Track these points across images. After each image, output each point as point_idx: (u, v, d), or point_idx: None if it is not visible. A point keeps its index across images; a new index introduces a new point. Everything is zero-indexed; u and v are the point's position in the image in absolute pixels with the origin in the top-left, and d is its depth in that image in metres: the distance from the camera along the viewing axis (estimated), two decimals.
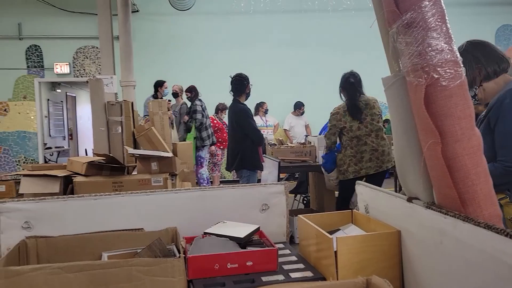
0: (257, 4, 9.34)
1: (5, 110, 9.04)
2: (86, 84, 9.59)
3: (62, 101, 11.25)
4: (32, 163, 9.06)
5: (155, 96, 6.90)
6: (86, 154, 9.32)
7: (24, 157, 9.13)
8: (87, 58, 9.24)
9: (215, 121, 7.72)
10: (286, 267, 1.64)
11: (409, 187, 1.53)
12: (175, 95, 7.27)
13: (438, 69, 1.27)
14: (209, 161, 7.46)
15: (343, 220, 1.99)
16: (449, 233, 1.27)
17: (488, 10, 9.97)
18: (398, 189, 5.88)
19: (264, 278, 1.53)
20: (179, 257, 1.46)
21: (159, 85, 7.07)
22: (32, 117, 9.13)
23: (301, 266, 1.67)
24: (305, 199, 6.03)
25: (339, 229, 1.90)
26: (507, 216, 1.86)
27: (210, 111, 7.54)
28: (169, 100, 7.12)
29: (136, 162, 3.26)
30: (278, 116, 9.22)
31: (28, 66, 9.07)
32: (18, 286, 1.32)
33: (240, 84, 4.49)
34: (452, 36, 1.30)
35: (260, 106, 8.73)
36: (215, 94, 7.67)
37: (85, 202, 1.82)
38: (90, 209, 1.81)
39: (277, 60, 9.53)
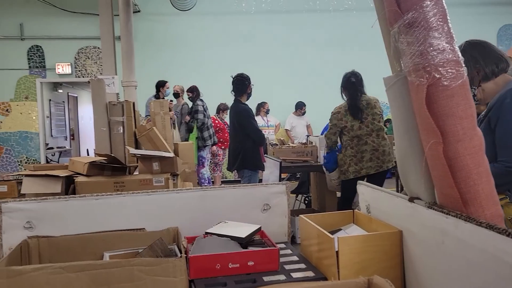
0: (258, 4, 9.35)
1: (7, 110, 9.06)
2: (87, 84, 9.59)
3: (63, 101, 11.27)
4: (34, 163, 9.07)
5: (157, 96, 6.91)
6: (88, 154, 9.34)
7: (26, 157, 9.14)
8: (89, 58, 9.25)
9: (216, 121, 7.72)
10: (287, 267, 1.64)
11: (410, 187, 1.52)
12: (176, 95, 7.28)
13: (440, 69, 1.27)
14: (210, 161, 7.46)
15: (345, 220, 1.99)
16: (451, 233, 1.26)
17: (490, 10, 9.95)
18: (399, 189, 5.87)
19: (265, 278, 1.53)
20: (181, 257, 1.46)
21: (161, 85, 7.07)
22: (34, 118, 9.15)
23: (302, 266, 1.67)
24: (307, 199, 6.02)
25: (340, 229, 1.90)
26: (507, 216, 1.85)
27: (212, 111, 7.54)
28: (171, 100, 7.12)
29: (137, 162, 3.27)
30: (280, 116, 9.22)
31: (30, 67, 9.09)
32: (20, 285, 1.32)
33: (241, 84, 4.49)
34: (453, 35, 1.30)
35: (261, 106, 8.73)
36: (217, 94, 7.67)
37: (86, 202, 1.82)
38: (92, 209, 1.82)
39: (279, 60, 9.53)
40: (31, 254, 1.66)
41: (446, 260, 1.29)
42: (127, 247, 1.71)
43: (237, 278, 1.52)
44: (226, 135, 7.54)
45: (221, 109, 7.99)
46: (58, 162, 9.74)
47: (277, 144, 6.16)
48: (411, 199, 1.50)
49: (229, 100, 4.85)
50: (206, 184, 6.92)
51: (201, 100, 6.98)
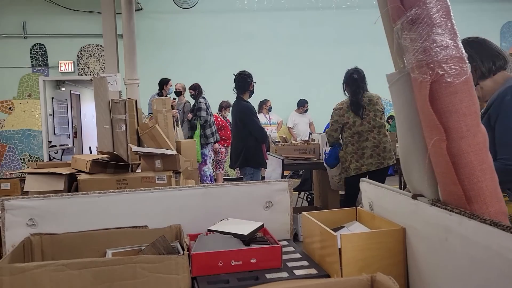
0: (260, 2, 9.33)
1: (10, 108, 9.08)
2: (90, 82, 9.60)
3: (66, 99, 11.29)
4: (36, 161, 9.10)
5: (160, 94, 6.91)
6: (90, 152, 9.35)
7: (29, 155, 9.17)
8: (91, 56, 9.26)
9: (218, 119, 7.72)
10: (290, 264, 1.64)
11: (414, 184, 1.52)
12: (178, 93, 7.27)
13: (443, 65, 1.26)
14: (212, 159, 7.46)
15: (348, 217, 1.98)
16: (454, 230, 1.26)
17: (494, 7, 9.91)
18: (402, 186, 5.86)
19: (268, 275, 1.53)
20: (183, 254, 1.46)
21: (164, 83, 7.07)
22: (36, 115, 9.16)
23: (305, 263, 1.67)
24: (309, 196, 6.02)
25: (343, 227, 1.90)
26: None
27: (214, 109, 7.54)
28: (174, 98, 7.12)
29: (140, 160, 3.27)
30: (282, 114, 9.21)
31: (32, 65, 9.10)
32: (23, 283, 1.33)
33: (243, 82, 4.48)
34: (457, 32, 1.29)
35: (263, 103, 8.73)
36: (219, 92, 7.67)
37: (89, 200, 1.82)
38: (94, 207, 1.82)
39: (281, 58, 9.52)
40: (34, 251, 1.66)
41: (449, 257, 1.29)
42: (130, 245, 1.71)
43: (239, 276, 1.52)
44: (228, 132, 7.54)
45: (223, 106, 7.98)
46: (60, 160, 9.76)
47: (279, 142, 6.16)
48: (414, 196, 1.50)
49: (231, 97, 4.84)
50: (208, 182, 6.92)
51: (204, 98, 6.98)
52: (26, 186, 2.90)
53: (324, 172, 4.93)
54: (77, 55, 9.22)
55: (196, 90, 7.04)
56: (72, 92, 11.62)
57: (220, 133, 7.48)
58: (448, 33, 1.28)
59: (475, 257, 1.17)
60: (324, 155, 4.43)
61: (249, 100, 4.57)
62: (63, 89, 10.82)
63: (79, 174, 2.97)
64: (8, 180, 3.89)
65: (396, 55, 1.46)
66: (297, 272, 1.57)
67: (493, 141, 1.87)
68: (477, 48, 1.96)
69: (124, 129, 3.64)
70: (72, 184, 2.96)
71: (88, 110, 12.32)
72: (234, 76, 4.54)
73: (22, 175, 3.82)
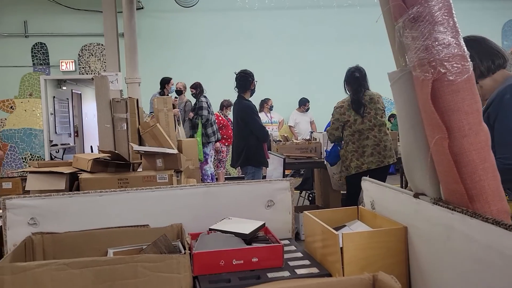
0: (261, 1, 9.32)
1: (11, 107, 9.09)
2: (91, 81, 9.63)
3: (67, 98, 11.30)
4: (38, 160, 9.10)
5: (162, 93, 6.91)
6: (92, 151, 9.36)
7: (30, 154, 9.18)
8: (93, 55, 9.26)
9: (220, 118, 7.72)
10: (291, 263, 1.64)
11: (415, 183, 1.51)
12: (179, 92, 7.27)
13: (445, 63, 1.25)
14: (214, 158, 7.46)
15: (349, 216, 1.98)
16: (457, 229, 1.25)
17: (496, 5, 9.89)
18: (404, 185, 5.86)
19: (269, 275, 1.52)
20: (185, 253, 1.46)
21: (165, 82, 7.07)
22: (38, 115, 9.17)
23: (306, 262, 1.66)
24: (311, 195, 6.02)
25: (345, 225, 1.89)
26: None
27: (215, 108, 7.53)
28: (176, 97, 7.12)
29: (141, 159, 3.26)
30: (283, 113, 9.21)
31: (34, 64, 9.11)
32: (24, 282, 1.33)
33: (244, 81, 4.48)
34: (459, 30, 1.29)
35: (265, 102, 8.72)
36: (220, 91, 7.66)
37: (90, 199, 1.82)
38: (96, 206, 1.82)
39: (282, 56, 9.51)
40: (35, 250, 1.66)
41: (451, 256, 1.28)
42: (131, 244, 1.71)
43: (241, 275, 1.51)
44: (229, 131, 7.54)
45: (224, 105, 7.98)
46: (62, 159, 9.78)
47: (280, 141, 6.16)
48: (416, 195, 1.49)
49: (233, 96, 4.84)
50: (209, 181, 6.92)
51: (205, 97, 6.97)
52: (27, 185, 2.90)
53: (325, 171, 4.93)
54: (78, 54, 9.22)
55: (197, 89, 7.04)
56: (73, 91, 11.63)
57: (221, 132, 7.48)
58: (450, 31, 1.27)
59: (477, 256, 1.16)
60: (325, 153, 4.44)
61: (250, 99, 4.57)
62: (64, 88, 10.83)
63: (81, 173, 2.97)
64: (9, 179, 3.90)
65: (397, 54, 1.46)
66: (299, 271, 1.56)
67: (492, 140, 1.86)
68: (476, 47, 1.95)
69: (125, 128, 3.65)
70: (73, 183, 2.96)
71: (89, 109, 12.33)
72: (235, 75, 4.54)
73: (24, 174, 3.83)
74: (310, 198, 6.03)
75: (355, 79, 3.99)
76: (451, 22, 1.28)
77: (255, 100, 5.55)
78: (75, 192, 1.87)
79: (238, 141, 4.51)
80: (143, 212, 1.83)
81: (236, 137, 4.59)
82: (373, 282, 1.17)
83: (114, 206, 1.83)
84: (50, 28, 9.04)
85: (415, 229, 1.52)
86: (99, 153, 3.45)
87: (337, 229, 1.72)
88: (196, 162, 4.23)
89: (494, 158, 1.31)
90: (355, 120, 3.96)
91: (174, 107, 6.13)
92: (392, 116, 9.52)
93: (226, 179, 8.50)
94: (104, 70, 8.38)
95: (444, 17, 1.27)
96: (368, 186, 1.95)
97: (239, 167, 4.63)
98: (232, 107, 5.75)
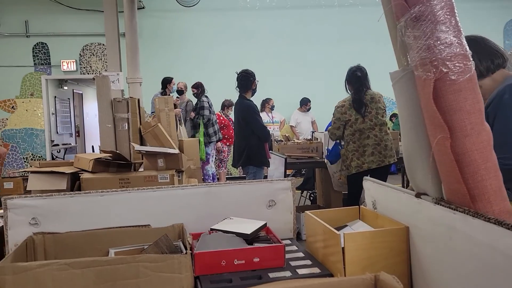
0: (263, 0, 9.32)
1: (12, 107, 9.10)
2: (92, 81, 9.63)
3: (69, 98, 11.31)
4: (39, 160, 9.11)
5: (164, 93, 6.91)
6: (93, 151, 9.36)
7: (32, 154, 9.18)
8: (94, 55, 9.27)
9: (221, 118, 7.72)
10: (293, 263, 1.63)
11: (417, 183, 1.51)
12: (180, 92, 7.27)
13: (447, 63, 1.25)
14: (215, 158, 7.46)
15: (351, 216, 1.98)
16: (458, 229, 1.25)
17: (497, 4, 9.87)
18: (405, 184, 5.85)
19: (271, 275, 1.52)
20: (186, 253, 1.46)
21: (167, 82, 7.06)
22: (39, 114, 9.18)
23: (308, 262, 1.66)
24: (312, 195, 6.02)
25: (346, 225, 1.89)
26: None
27: (216, 108, 7.53)
28: (178, 97, 7.12)
29: (142, 159, 3.26)
30: (285, 113, 9.20)
31: (35, 64, 9.12)
32: (26, 282, 1.33)
33: (246, 80, 4.48)
34: (461, 29, 1.28)
35: (266, 102, 8.72)
36: (221, 91, 7.66)
37: (92, 199, 1.82)
38: (97, 206, 1.82)
39: (283, 56, 9.51)
40: (36, 250, 1.66)
41: (453, 256, 1.28)
42: (133, 244, 1.71)
43: (242, 275, 1.51)
44: (231, 131, 7.53)
45: (225, 105, 7.98)
46: (63, 159, 9.78)
47: (282, 140, 6.15)
48: (418, 195, 1.49)
49: (234, 96, 4.84)
50: (210, 181, 6.92)
51: (206, 97, 6.97)
52: (29, 185, 2.90)
53: (326, 171, 4.93)
54: (80, 54, 9.23)
55: (199, 88, 7.03)
56: (74, 91, 11.64)
57: (223, 132, 7.48)
58: (452, 31, 1.27)
59: (479, 256, 1.16)
60: (326, 152, 4.45)
61: (251, 98, 4.56)
62: (65, 88, 10.84)
63: (82, 173, 2.98)
64: (11, 179, 3.90)
65: (399, 53, 1.45)
66: (300, 271, 1.56)
67: None
68: (475, 47, 1.94)
69: (126, 128, 3.65)
70: (74, 183, 2.96)
71: (91, 109, 12.34)
72: (236, 75, 4.54)
73: (25, 174, 3.83)
74: (311, 198, 6.02)
75: (357, 79, 3.99)
76: (453, 21, 1.27)
77: (257, 100, 5.54)
78: (77, 192, 1.87)
79: (240, 141, 4.50)
80: (145, 212, 1.83)
81: (238, 137, 4.59)
82: (374, 282, 1.16)
83: (116, 206, 1.83)
84: (51, 28, 9.04)
85: (417, 229, 1.52)
86: (100, 153, 3.45)
87: (338, 229, 1.72)
88: (198, 162, 4.23)
89: (496, 158, 1.30)
90: (356, 119, 3.96)
91: (175, 107, 6.14)
92: (394, 115, 9.51)
93: (228, 179, 8.49)
94: (106, 70, 8.38)
95: (446, 16, 1.27)
96: (370, 186, 1.94)
97: (241, 167, 4.63)
98: (233, 107, 5.74)
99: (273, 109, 8.81)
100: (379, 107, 3.99)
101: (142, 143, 3.67)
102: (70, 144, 10.93)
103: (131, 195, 1.85)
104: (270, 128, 6.82)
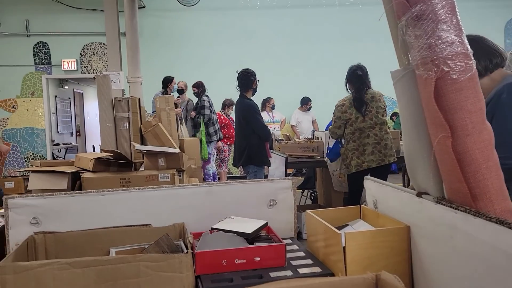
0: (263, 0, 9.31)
1: (13, 107, 9.10)
2: (93, 80, 9.63)
3: (69, 98, 11.31)
4: (40, 159, 9.11)
5: (165, 93, 6.90)
6: (94, 151, 9.37)
7: (33, 154, 9.19)
8: (94, 54, 9.27)
9: (222, 117, 7.72)
10: (294, 262, 1.63)
11: (418, 182, 1.51)
12: (181, 91, 7.26)
13: (448, 62, 1.25)
14: (216, 157, 7.46)
15: (352, 215, 1.97)
16: (460, 228, 1.25)
17: (498, 3, 9.85)
18: (406, 184, 5.85)
19: (272, 274, 1.52)
20: (187, 252, 1.46)
21: (168, 81, 7.06)
22: (40, 114, 9.19)
23: (309, 261, 1.66)
24: (313, 194, 6.01)
25: (347, 225, 1.89)
26: None
27: (217, 107, 7.53)
28: (179, 97, 7.12)
29: (143, 158, 3.27)
30: (285, 112, 9.20)
31: (35, 63, 9.12)
32: (27, 281, 1.33)
33: (246, 80, 4.47)
34: (462, 28, 1.28)
35: (267, 101, 8.72)
36: (222, 90, 7.66)
37: (92, 198, 1.82)
38: (98, 205, 1.82)
39: (284, 56, 9.50)
40: (37, 250, 1.66)
41: (454, 256, 1.28)
42: (133, 243, 1.71)
43: (243, 274, 1.51)
44: (231, 131, 7.53)
45: (226, 104, 7.98)
46: (64, 158, 9.78)
47: (282, 140, 6.15)
48: (419, 194, 1.49)
49: (235, 95, 4.83)
50: (210, 180, 6.92)
51: (207, 96, 6.97)
52: (29, 185, 2.90)
53: (327, 170, 4.93)
54: (80, 53, 9.22)
55: (200, 88, 7.03)
56: (75, 90, 11.64)
57: (223, 131, 7.48)
58: (453, 29, 1.27)
59: (480, 255, 1.16)
60: (327, 151, 4.45)
61: (252, 98, 4.56)
62: (66, 87, 10.84)
63: (83, 173, 2.98)
64: (12, 179, 3.91)
65: (400, 52, 1.45)
66: (301, 271, 1.56)
67: None
68: (474, 46, 1.93)
69: (127, 127, 3.65)
70: (75, 182, 2.96)
71: (91, 108, 12.34)
72: (237, 74, 4.53)
73: (26, 174, 3.83)
74: (312, 198, 6.02)
75: (358, 77, 3.98)
76: (455, 20, 1.27)
77: (257, 99, 5.55)
78: (77, 191, 1.87)
79: (240, 140, 4.50)
80: (145, 212, 1.83)
81: (238, 136, 4.59)
82: (376, 281, 1.16)
83: (116, 205, 1.83)
84: (51, 27, 9.04)
85: (418, 228, 1.51)
86: (101, 152, 3.45)
87: (339, 228, 1.72)
88: (198, 162, 4.23)
89: (498, 157, 1.30)
90: (357, 118, 3.96)
91: (176, 106, 6.14)
92: (395, 114, 9.51)
93: (228, 178, 8.49)
94: (106, 69, 8.38)
95: (447, 15, 1.26)
96: (371, 185, 1.94)
97: (241, 166, 4.63)
98: (234, 106, 5.74)
99: (273, 109, 8.80)
100: (380, 106, 3.98)
101: (142, 142, 3.67)
102: (70, 143, 10.93)
103: (132, 195, 1.85)
104: (270, 127, 6.81)
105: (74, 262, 1.36)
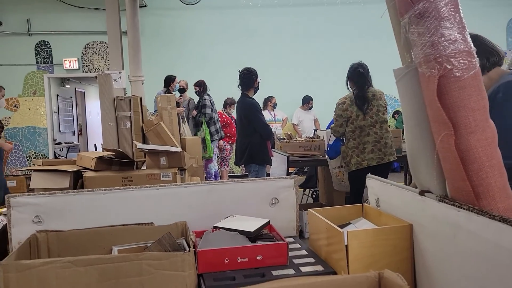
0: None
1: (15, 106, 9.12)
2: (95, 79, 9.62)
3: (71, 97, 11.33)
4: (42, 158, 9.12)
5: (167, 92, 6.91)
6: (96, 149, 9.38)
7: (35, 153, 9.20)
8: (96, 53, 9.27)
9: (223, 116, 7.72)
10: (296, 261, 1.63)
11: (421, 180, 1.50)
12: (182, 90, 7.27)
13: (451, 59, 1.24)
14: (217, 156, 7.46)
15: (354, 214, 1.97)
16: (463, 226, 1.24)
17: (500, 2, 9.83)
18: (408, 182, 5.84)
19: (274, 272, 1.52)
20: (189, 251, 1.45)
21: (170, 80, 7.07)
22: (42, 113, 9.20)
23: (311, 260, 1.66)
24: (314, 193, 6.01)
25: (349, 223, 1.89)
26: None
27: (218, 106, 7.53)
28: (180, 96, 7.12)
29: (145, 157, 3.27)
30: (287, 111, 9.20)
31: (37, 62, 9.13)
32: (29, 280, 1.33)
33: (248, 79, 4.47)
34: (465, 25, 1.28)
35: (268, 100, 8.72)
36: (224, 89, 7.66)
37: (95, 197, 1.82)
38: (100, 204, 1.82)
39: (286, 54, 9.49)
40: (40, 248, 1.66)
41: (457, 254, 1.27)
42: (136, 242, 1.71)
43: (245, 272, 1.51)
44: (233, 129, 7.53)
45: (228, 103, 7.98)
46: (66, 157, 9.79)
47: (284, 139, 6.15)
48: (422, 192, 1.48)
49: (236, 94, 4.83)
50: (212, 179, 6.92)
51: (208, 95, 6.97)
52: (32, 183, 2.90)
53: (329, 169, 4.92)
54: (82, 52, 9.23)
55: (201, 87, 7.03)
56: (77, 89, 11.66)
57: (225, 130, 7.48)
58: (456, 27, 1.26)
59: (484, 254, 1.15)
60: (328, 148, 4.45)
61: (254, 96, 4.56)
62: (68, 86, 10.85)
63: (85, 171, 2.98)
64: (14, 178, 3.92)
65: (403, 50, 1.45)
66: (304, 269, 1.56)
67: None
68: None
69: (129, 126, 3.65)
70: (77, 181, 2.96)
71: (93, 107, 12.35)
72: (238, 73, 4.53)
73: (28, 173, 3.84)
74: (314, 196, 6.02)
75: (359, 75, 3.98)
76: (458, 17, 1.27)
77: (259, 98, 5.54)
78: (79, 190, 1.87)
79: (242, 139, 4.50)
80: (147, 210, 1.83)
81: (240, 135, 4.59)
82: (378, 279, 1.16)
83: (118, 204, 1.83)
84: (53, 26, 9.05)
85: (420, 226, 1.51)
86: (103, 151, 3.45)
87: (341, 226, 1.71)
88: (200, 160, 4.23)
89: (501, 155, 1.30)
90: (357, 116, 3.95)
91: (178, 105, 6.14)
92: (397, 112, 9.50)
93: (230, 177, 8.50)
94: (108, 68, 8.38)
95: (450, 12, 1.26)
96: (373, 183, 1.94)
97: (243, 165, 4.63)
98: (235, 105, 5.74)
99: (275, 107, 8.80)
100: (380, 104, 3.98)
101: (144, 141, 3.67)
102: (72, 142, 10.95)
103: (134, 193, 1.85)
104: (272, 126, 6.81)
105: (76, 260, 1.36)
